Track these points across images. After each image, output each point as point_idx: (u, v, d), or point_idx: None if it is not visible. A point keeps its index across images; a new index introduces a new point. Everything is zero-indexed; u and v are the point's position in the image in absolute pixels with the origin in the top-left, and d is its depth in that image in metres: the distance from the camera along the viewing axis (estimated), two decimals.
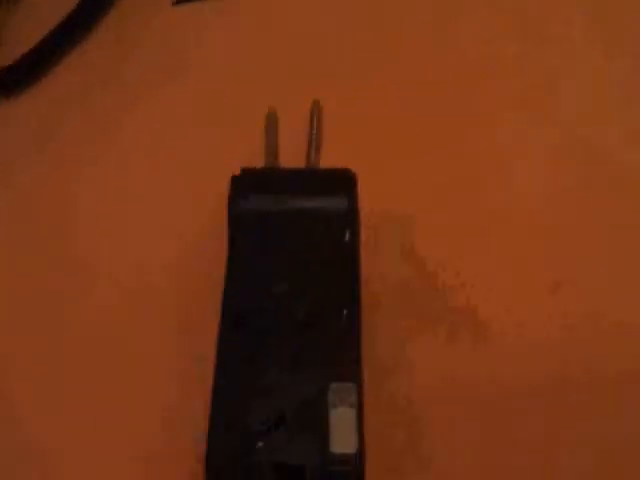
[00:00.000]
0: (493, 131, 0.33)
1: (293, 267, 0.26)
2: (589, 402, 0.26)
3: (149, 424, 0.26)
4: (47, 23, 0.36)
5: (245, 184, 0.28)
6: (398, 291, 0.28)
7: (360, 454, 0.22)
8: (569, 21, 0.36)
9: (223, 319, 0.25)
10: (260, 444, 0.22)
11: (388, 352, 0.27)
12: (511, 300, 0.28)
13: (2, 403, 0.27)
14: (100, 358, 0.28)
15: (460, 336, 0.27)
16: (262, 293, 0.25)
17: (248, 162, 0.30)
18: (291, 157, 0.31)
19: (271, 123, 0.32)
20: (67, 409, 0.27)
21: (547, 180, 0.31)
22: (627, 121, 0.33)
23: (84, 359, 0.28)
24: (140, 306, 0.29)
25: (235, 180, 0.27)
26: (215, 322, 0.25)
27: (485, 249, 0.29)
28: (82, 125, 0.34)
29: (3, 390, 0.27)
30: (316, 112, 0.32)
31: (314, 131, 0.32)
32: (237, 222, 0.27)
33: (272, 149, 0.31)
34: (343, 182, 0.27)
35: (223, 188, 0.27)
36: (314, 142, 0.31)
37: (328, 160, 0.31)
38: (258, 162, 0.31)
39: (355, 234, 0.27)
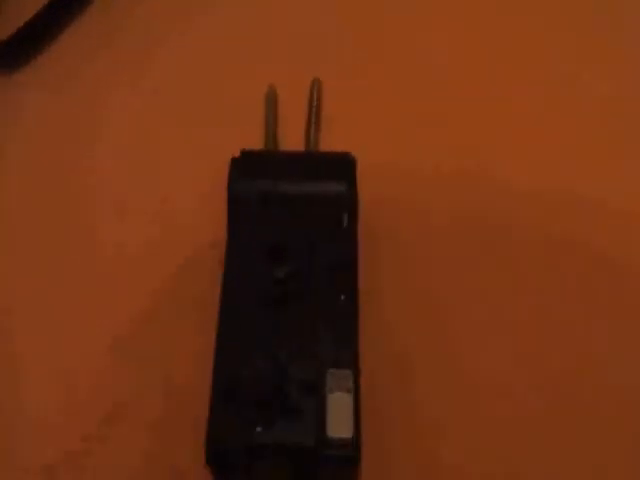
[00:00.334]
0: (500, 110, 0.33)
1: (292, 251, 0.26)
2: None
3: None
4: None
5: (245, 166, 0.27)
6: None
7: (356, 439, 0.23)
8: None
9: (222, 298, 0.26)
10: (259, 428, 0.23)
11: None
12: None
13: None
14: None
15: None
16: (261, 277, 0.26)
17: (247, 140, 0.30)
18: (291, 134, 0.31)
19: (270, 100, 0.32)
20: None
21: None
22: None
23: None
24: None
25: (235, 162, 0.27)
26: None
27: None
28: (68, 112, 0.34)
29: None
30: (316, 90, 0.32)
31: (314, 109, 0.32)
32: (236, 204, 0.27)
33: (271, 129, 0.31)
34: (342, 166, 0.27)
35: (222, 167, 0.28)
36: (314, 120, 0.31)
37: (327, 138, 0.31)
38: (258, 141, 0.31)
39: (354, 219, 0.27)
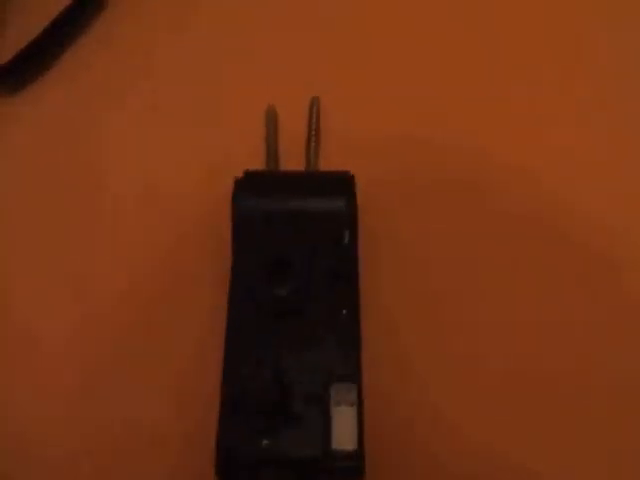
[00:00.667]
0: (496, 119, 0.33)
1: (295, 268, 0.27)
2: None
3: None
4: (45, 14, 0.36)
5: (248, 186, 0.28)
6: None
7: (360, 451, 0.24)
8: None
9: (229, 313, 0.26)
10: (266, 441, 0.24)
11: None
12: None
13: None
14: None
15: None
16: (265, 293, 0.26)
17: (249, 157, 0.32)
18: (292, 151, 0.32)
19: (271, 119, 0.33)
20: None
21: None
22: None
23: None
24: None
25: (238, 182, 0.28)
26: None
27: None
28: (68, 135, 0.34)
29: None
30: (315, 108, 0.33)
31: (313, 127, 0.32)
32: (241, 223, 0.28)
33: (272, 148, 0.32)
34: (342, 184, 0.28)
35: (225, 185, 0.28)
36: (313, 138, 0.32)
37: (327, 152, 0.32)
38: (259, 159, 0.32)
39: (354, 235, 0.28)
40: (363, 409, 0.24)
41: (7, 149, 0.34)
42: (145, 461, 0.27)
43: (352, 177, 0.28)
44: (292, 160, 0.32)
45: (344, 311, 0.26)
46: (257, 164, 0.32)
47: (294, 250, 0.27)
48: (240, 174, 0.29)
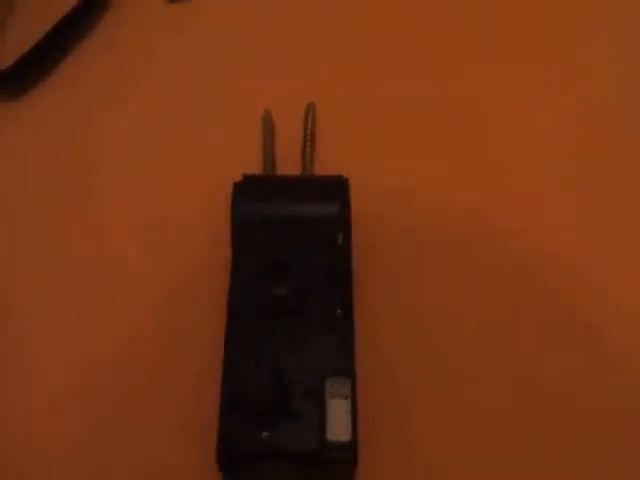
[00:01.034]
0: (487, 137, 0.34)
1: (292, 268, 0.28)
2: None
3: None
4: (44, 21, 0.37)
5: (246, 190, 0.30)
6: None
7: (354, 441, 0.25)
8: None
9: (229, 313, 0.28)
10: (265, 434, 0.25)
11: None
12: None
13: None
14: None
15: None
16: (264, 293, 0.28)
17: (246, 159, 0.33)
18: (288, 155, 0.33)
19: (267, 124, 0.34)
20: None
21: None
22: None
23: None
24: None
25: (237, 186, 0.30)
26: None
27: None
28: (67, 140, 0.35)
29: None
30: (311, 114, 0.34)
31: (309, 132, 0.34)
32: (239, 225, 0.29)
33: (269, 153, 0.33)
34: (337, 188, 0.30)
35: (223, 186, 0.30)
36: (309, 143, 0.33)
37: (322, 157, 0.33)
38: (256, 161, 0.33)
39: (348, 237, 0.29)
40: (356, 402, 0.26)
41: (8, 153, 0.35)
42: None
43: (346, 181, 0.30)
44: (288, 164, 0.33)
45: (339, 310, 0.28)
46: (254, 168, 0.33)
47: (291, 252, 0.28)
48: (238, 177, 0.30)
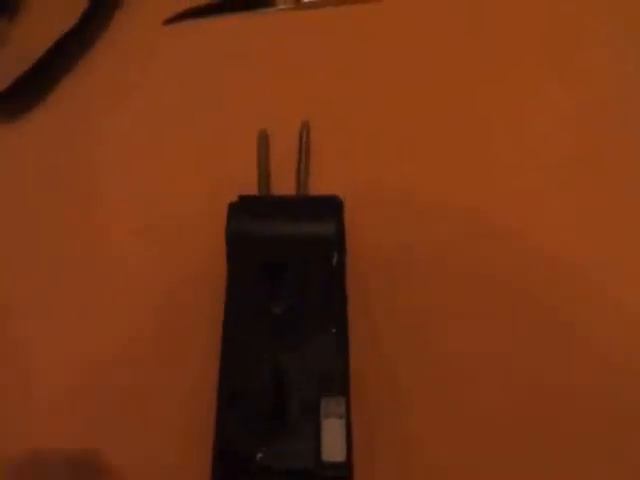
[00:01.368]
0: (481, 151, 0.35)
1: (287, 288, 0.29)
2: None
3: None
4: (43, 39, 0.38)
5: (241, 211, 0.30)
6: None
7: (348, 461, 0.25)
8: None
9: (224, 334, 0.28)
10: (260, 454, 0.25)
11: None
12: None
13: None
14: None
15: None
16: (260, 314, 0.28)
17: (241, 179, 0.33)
18: (283, 173, 0.34)
19: (262, 144, 0.34)
20: None
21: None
22: None
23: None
24: None
25: (232, 207, 0.30)
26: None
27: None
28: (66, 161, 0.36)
29: None
30: (305, 132, 0.34)
31: (303, 150, 0.34)
32: (234, 245, 0.29)
33: (264, 173, 0.33)
34: (331, 208, 0.30)
35: (219, 208, 0.30)
36: (303, 161, 0.34)
37: (317, 174, 0.34)
38: (251, 180, 0.33)
39: (342, 258, 0.29)
40: (351, 421, 0.26)
41: (9, 157, 0.36)
42: None
43: (341, 201, 0.30)
44: (283, 183, 0.33)
45: (333, 329, 0.28)
46: (250, 186, 0.33)
47: (286, 273, 0.29)
48: (235, 197, 0.30)
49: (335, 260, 0.29)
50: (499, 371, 0.30)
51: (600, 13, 0.37)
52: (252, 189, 0.33)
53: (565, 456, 0.28)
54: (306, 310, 0.28)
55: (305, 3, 0.40)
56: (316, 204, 0.31)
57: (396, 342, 0.30)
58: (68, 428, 0.29)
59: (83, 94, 0.37)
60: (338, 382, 0.27)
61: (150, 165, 0.35)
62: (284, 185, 0.33)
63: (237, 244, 0.29)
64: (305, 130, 0.34)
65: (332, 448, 0.26)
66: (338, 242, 0.29)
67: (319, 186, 0.33)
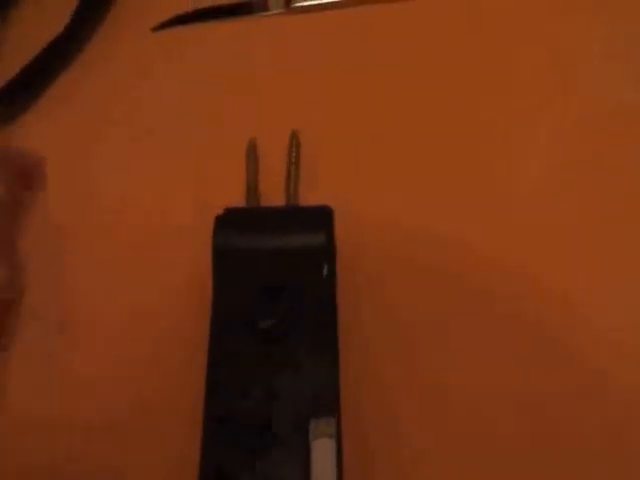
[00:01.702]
0: (474, 167, 0.33)
1: (276, 303, 0.28)
2: None
3: None
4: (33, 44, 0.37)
5: (228, 223, 0.29)
6: None
7: None
8: None
9: (210, 355, 0.27)
10: (248, 476, 0.25)
11: None
12: None
13: None
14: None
15: None
16: (247, 331, 0.27)
17: (230, 190, 0.32)
18: (272, 184, 0.33)
19: (251, 153, 0.33)
20: None
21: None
22: None
23: None
24: None
25: (219, 220, 0.29)
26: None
27: None
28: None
29: None
30: (295, 142, 0.33)
31: (293, 160, 0.33)
32: (221, 259, 0.29)
33: (252, 183, 0.32)
34: (321, 219, 0.29)
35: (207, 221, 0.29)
36: (293, 172, 0.33)
37: (307, 184, 0.33)
38: (240, 191, 0.33)
39: (332, 269, 0.28)
40: (341, 441, 0.25)
41: None
42: None
43: (331, 211, 0.29)
44: (273, 194, 0.32)
45: (324, 342, 0.27)
46: (239, 197, 0.32)
47: (275, 286, 0.28)
48: (220, 209, 0.30)
49: (325, 272, 0.28)
50: (496, 387, 0.29)
51: (605, 26, 0.36)
52: (239, 200, 0.32)
53: (558, 462, 0.27)
54: (296, 323, 0.27)
55: (296, 8, 0.39)
56: (305, 215, 0.30)
57: (388, 357, 0.30)
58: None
59: (73, 103, 0.37)
60: (329, 401, 0.26)
61: (133, 176, 0.34)
62: (274, 197, 0.32)
63: (224, 259, 0.28)
64: (295, 140, 0.33)
65: (322, 470, 0.25)
66: (328, 253, 0.28)
67: (309, 196, 0.32)
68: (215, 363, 0.27)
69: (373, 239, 0.32)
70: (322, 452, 0.25)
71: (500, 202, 0.32)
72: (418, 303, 0.30)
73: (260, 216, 0.30)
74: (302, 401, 0.26)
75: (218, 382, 0.27)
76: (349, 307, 0.29)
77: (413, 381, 0.29)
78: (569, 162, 0.33)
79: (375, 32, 0.37)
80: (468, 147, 0.34)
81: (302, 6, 0.39)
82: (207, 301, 0.28)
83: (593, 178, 0.33)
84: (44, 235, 0.33)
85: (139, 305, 0.31)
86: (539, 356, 0.29)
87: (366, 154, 0.34)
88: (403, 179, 0.33)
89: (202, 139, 0.35)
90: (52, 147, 0.35)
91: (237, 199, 0.32)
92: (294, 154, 0.33)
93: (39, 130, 0.36)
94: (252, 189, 0.32)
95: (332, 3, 0.38)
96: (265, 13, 0.39)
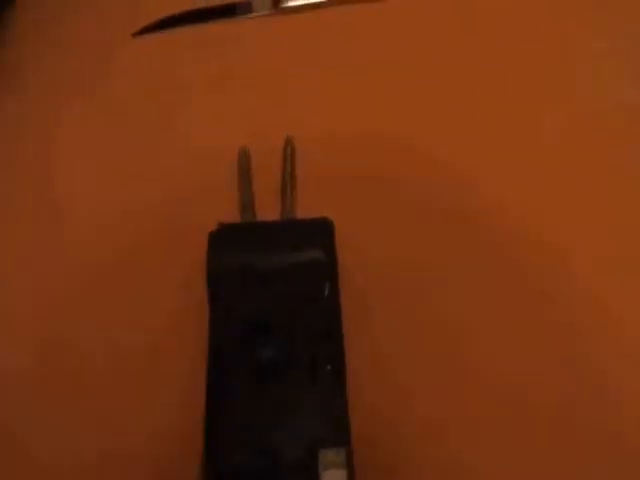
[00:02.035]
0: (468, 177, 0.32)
1: (275, 326, 0.26)
2: None
3: None
4: None
5: (223, 240, 0.27)
6: None
7: None
8: None
9: (209, 379, 0.25)
10: None
11: None
12: None
13: None
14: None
15: None
16: (245, 356, 0.25)
17: (222, 202, 0.31)
18: (267, 194, 0.31)
19: (243, 163, 0.31)
20: None
21: None
22: None
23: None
24: None
25: (212, 236, 0.27)
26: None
27: None
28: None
29: None
30: (289, 148, 0.32)
31: (288, 169, 0.31)
32: (216, 280, 0.27)
33: (247, 197, 0.30)
34: (321, 232, 0.27)
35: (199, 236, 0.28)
36: (289, 181, 0.31)
37: (303, 197, 0.31)
38: (232, 203, 0.31)
39: (335, 287, 0.27)
40: (353, 471, 0.24)
41: None
42: None
43: (331, 224, 0.27)
44: (267, 206, 0.31)
45: (328, 367, 0.25)
46: (231, 210, 0.31)
47: (274, 308, 0.26)
48: (214, 224, 0.28)
49: (327, 290, 0.26)
50: (509, 392, 0.27)
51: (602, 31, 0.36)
52: (232, 213, 0.30)
53: (562, 449, 0.26)
54: (297, 350, 0.25)
55: (285, 8, 0.37)
56: (304, 228, 0.28)
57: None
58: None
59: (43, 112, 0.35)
60: (337, 431, 0.24)
61: (114, 190, 0.32)
62: (269, 209, 0.31)
63: (218, 277, 0.27)
64: (289, 146, 0.32)
65: None
66: (330, 270, 0.27)
67: (307, 208, 0.30)
68: (213, 407, 0.25)
69: (374, 248, 0.30)
70: None
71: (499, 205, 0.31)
72: (423, 303, 0.29)
73: (256, 231, 0.28)
74: (308, 439, 0.24)
75: (217, 430, 0.24)
76: (353, 323, 0.27)
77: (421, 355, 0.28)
78: (569, 162, 0.32)
79: (371, 30, 0.36)
80: (465, 148, 0.32)
81: (291, 6, 0.37)
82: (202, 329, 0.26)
83: (593, 178, 0.32)
84: None
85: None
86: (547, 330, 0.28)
87: (367, 159, 0.32)
88: (405, 185, 0.31)
89: (190, 148, 0.33)
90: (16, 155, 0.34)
91: (230, 212, 0.30)
92: (289, 162, 0.31)
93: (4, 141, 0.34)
94: (247, 203, 0.30)
95: (320, 3, 0.37)
96: (250, 15, 0.37)
